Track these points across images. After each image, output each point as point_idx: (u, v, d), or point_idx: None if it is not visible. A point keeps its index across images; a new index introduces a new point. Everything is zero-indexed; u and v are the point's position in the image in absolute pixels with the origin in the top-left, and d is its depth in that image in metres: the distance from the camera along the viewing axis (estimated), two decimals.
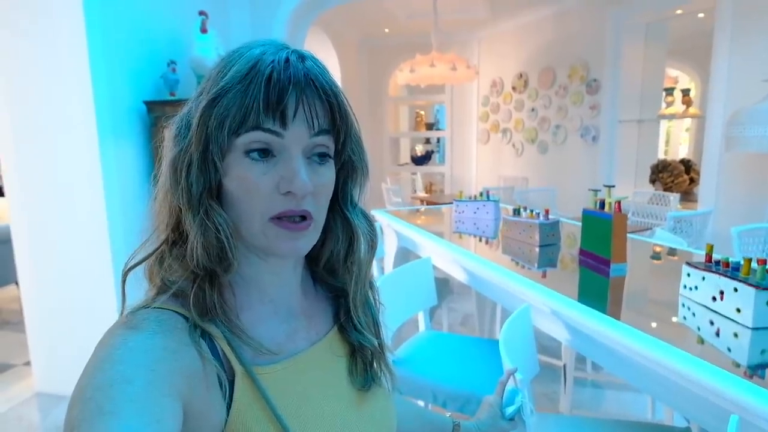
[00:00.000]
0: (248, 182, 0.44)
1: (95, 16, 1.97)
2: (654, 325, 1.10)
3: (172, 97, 2.30)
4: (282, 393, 0.46)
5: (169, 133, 0.47)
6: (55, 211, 2.09)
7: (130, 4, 2.19)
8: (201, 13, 2.35)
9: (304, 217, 0.45)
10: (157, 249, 0.46)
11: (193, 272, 0.45)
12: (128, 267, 0.46)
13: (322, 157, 0.46)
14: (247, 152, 0.44)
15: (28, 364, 2.39)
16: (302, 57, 0.45)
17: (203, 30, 2.36)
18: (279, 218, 0.45)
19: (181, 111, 0.47)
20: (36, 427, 2.01)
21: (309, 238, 0.47)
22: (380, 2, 4.71)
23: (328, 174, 0.47)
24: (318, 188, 0.46)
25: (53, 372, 2.24)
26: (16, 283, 3.00)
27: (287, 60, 0.44)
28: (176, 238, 0.46)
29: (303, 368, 0.50)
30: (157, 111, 2.25)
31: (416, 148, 6.94)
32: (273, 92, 0.42)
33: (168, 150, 0.46)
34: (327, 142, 0.46)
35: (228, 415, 0.43)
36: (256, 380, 0.45)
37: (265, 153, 0.44)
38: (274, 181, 0.44)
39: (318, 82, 0.45)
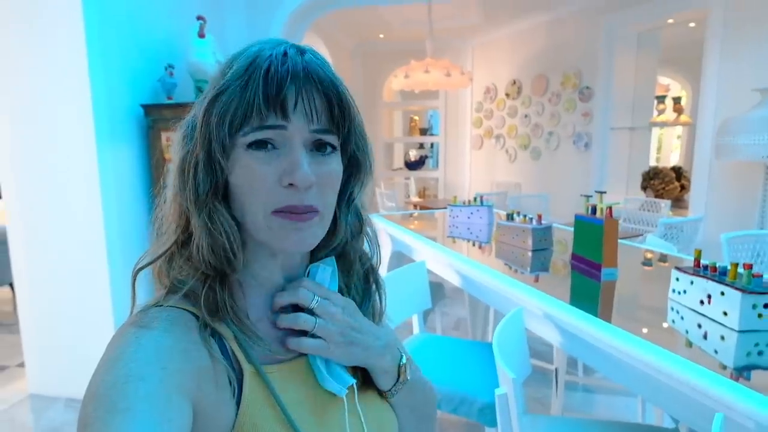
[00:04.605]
0: (251, 174, 0.43)
1: (94, 20, 1.98)
2: (644, 328, 1.12)
3: (170, 101, 2.31)
4: (291, 391, 0.46)
5: (177, 137, 0.47)
6: (52, 213, 2.09)
7: (128, 9, 2.20)
8: (199, 17, 2.37)
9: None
10: (167, 250, 0.46)
11: (203, 272, 0.45)
12: (139, 267, 0.47)
13: (326, 148, 0.46)
14: (250, 146, 0.43)
15: (21, 365, 2.38)
16: (301, 51, 0.45)
17: (201, 35, 2.37)
18: (283, 211, 0.44)
19: (189, 114, 0.48)
20: (29, 428, 1.99)
21: (315, 231, 0.46)
22: (375, 9, 4.74)
23: (333, 165, 0.46)
24: (322, 179, 0.45)
25: (47, 373, 2.23)
26: (11, 285, 2.98)
27: (285, 53, 0.44)
28: (186, 239, 0.46)
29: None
30: (154, 114, 2.26)
31: (410, 153, 6.96)
32: (272, 85, 0.42)
33: (176, 152, 0.46)
34: (328, 135, 0.46)
35: (237, 413, 0.43)
36: (265, 379, 0.45)
37: (267, 145, 0.44)
38: (276, 173, 0.43)
39: (317, 75, 0.44)
